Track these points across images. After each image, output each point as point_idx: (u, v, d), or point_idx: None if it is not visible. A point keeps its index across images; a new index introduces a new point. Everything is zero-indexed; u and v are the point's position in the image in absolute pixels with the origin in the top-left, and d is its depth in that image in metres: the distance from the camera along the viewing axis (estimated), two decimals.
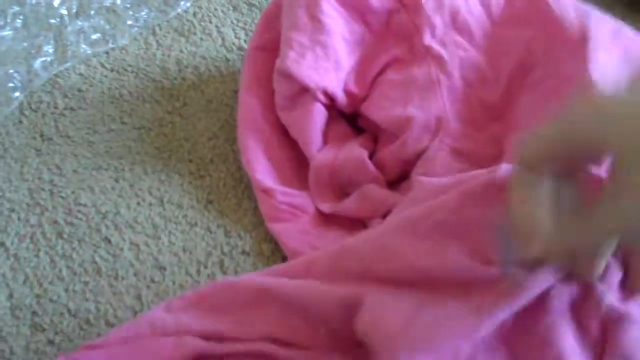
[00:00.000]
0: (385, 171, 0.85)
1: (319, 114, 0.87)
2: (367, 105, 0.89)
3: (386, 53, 0.89)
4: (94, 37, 1.07)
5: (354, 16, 0.89)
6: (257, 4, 1.11)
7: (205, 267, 0.86)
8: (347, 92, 0.88)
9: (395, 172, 0.85)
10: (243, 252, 0.87)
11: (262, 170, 0.89)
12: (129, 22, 1.08)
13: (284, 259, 0.86)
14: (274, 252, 0.87)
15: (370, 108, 0.88)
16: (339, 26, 0.87)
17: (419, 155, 0.82)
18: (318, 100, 0.86)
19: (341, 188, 0.87)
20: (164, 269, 0.86)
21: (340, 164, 0.86)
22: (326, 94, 0.87)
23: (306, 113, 0.87)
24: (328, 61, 0.86)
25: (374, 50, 0.89)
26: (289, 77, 0.86)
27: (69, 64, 1.04)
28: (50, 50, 1.05)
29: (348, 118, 0.93)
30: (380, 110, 0.86)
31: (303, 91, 0.87)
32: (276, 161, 0.90)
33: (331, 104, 0.88)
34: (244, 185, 0.93)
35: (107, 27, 1.08)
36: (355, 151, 0.86)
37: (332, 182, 0.87)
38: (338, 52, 0.87)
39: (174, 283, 0.85)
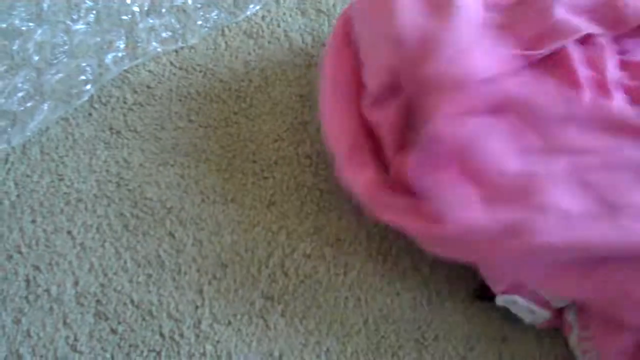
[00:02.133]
0: None
1: None
2: None
3: None
4: (164, 35, 1.10)
5: None
6: (325, 10, 1.14)
7: (267, 266, 0.88)
8: None
9: None
10: (304, 255, 0.89)
11: None
12: (199, 22, 1.11)
13: (346, 264, 0.88)
14: (336, 255, 0.89)
15: None
16: None
17: None
18: None
19: None
20: (226, 266, 0.88)
21: None
22: None
23: None
24: None
25: None
26: None
27: (139, 60, 1.07)
28: (122, 46, 1.08)
29: None
30: None
31: None
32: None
33: None
34: (307, 188, 0.95)
35: (178, 26, 1.11)
36: None
37: None
38: None
39: (235, 281, 0.88)
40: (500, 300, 0.80)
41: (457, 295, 0.86)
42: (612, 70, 0.80)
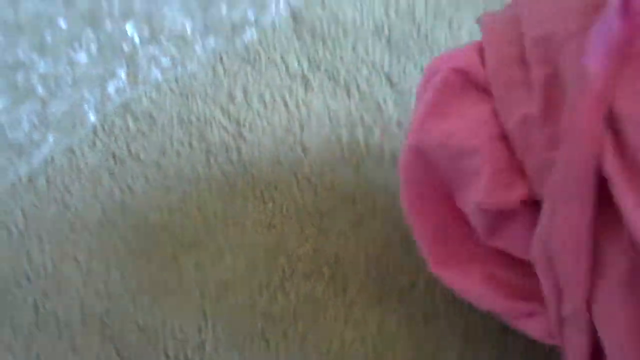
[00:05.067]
0: None
1: None
2: None
3: None
4: (164, 63, 1.15)
5: None
6: (320, 33, 1.18)
7: (267, 288, 0.93)
8: None
9: None
10: (304, 275, 0.94)
11: None
12: (198, 50, 1.17)
13: (344, 284, 0.92)
14: (335, 275, 0.93)
15: None
16: None
17: None
18: None
19: None
20: (228, 288, 0.93)
21: None
22: None
23: None
24: None
25: None
26: None
27: (140, 89, 1.12)
28: (123, 75, 1.14)
29: None
30: None
31: None
32: None
33: None
34: (306, 212, 1.00)
35: (177, 53, 1.16)
36: None
37: None
38: None
39: (237, 302, 0.92)
40: None
41: (454, 312, 0.91)
42: None
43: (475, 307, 0.87)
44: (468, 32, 1.19)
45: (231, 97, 1.11)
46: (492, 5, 1.22)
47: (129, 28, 1.19)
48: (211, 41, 1.18)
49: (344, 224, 0.97)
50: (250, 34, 1.19)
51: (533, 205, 0.65)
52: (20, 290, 0.94)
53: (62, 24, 1.18)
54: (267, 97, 1.11)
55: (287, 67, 1.15)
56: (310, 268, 0.94)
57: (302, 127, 1.07)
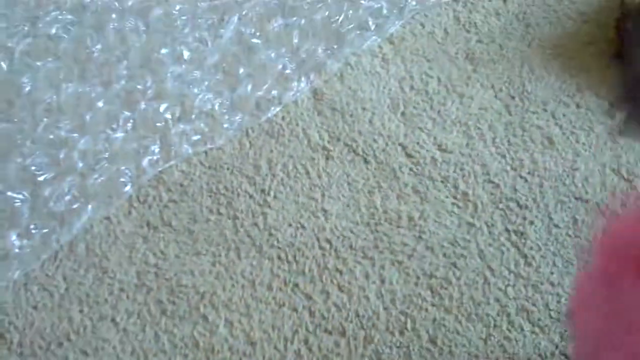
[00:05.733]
0: None
1: None
2: None
3: None
4: (194, 138, 1.25)
5: None
6: (339, 108, 1.28)
7: (292, 343, 0.99)
8: None
9: None
10: (326, 331, 1.00)
11: None
12: (225, 125, 1.26)
13: (365, 337, 0.98)
14: (355, 330, 1.00)
15: None
16: None
17: None
18: None
19: None
20: (255, 344, 0.99)
21: None
22: None
23: None
24: None
25: None
26: None
27: (172, 162, 1.21)
28: (156, 150, 1.23)
29: None
30: None
31: None
32: None
33: None
34: (328, 271, 1.06)
35: (206, 129, 1.26)
36: None
37: None
38: None
39: (264, 358, 0.98)
40: None
41: None
42: None
43: None
44: (477, 105, 1.28)
45: (256, 168, 1.20)
46: (495, 79, 1.31)
47: (163, 107, 1.28)
48: (238, 117, 1.28)
49: (363, 280, 1.04)
50: (274, 110, 1.29)
51: None
52: (62, 349, 1.01)
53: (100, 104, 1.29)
54: (290, 167, 1.20)
55: (308, 140, 1.24)
56: (332, 324, 1.00)
57: (323, 194, 1.15)
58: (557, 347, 0.95)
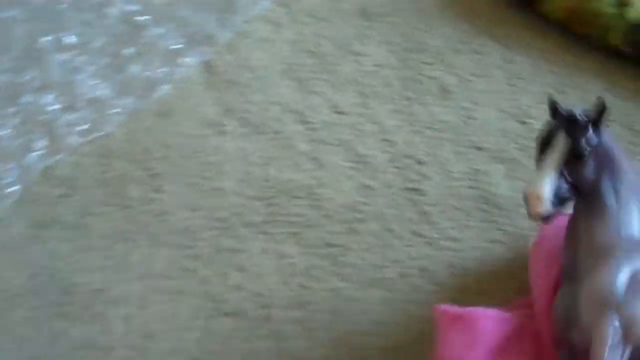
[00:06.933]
0: None
1: None
2: None
3: None
4: (82, 127, 1.20)
5: None
6: (232, 80, 1.24)
7: (191, 330, 0.96)
8: None
9: None
10: (225, 314, 0.97)
11: None
12: (115, 111, 1.21)
13: (265, 316, 0.96)
14: (254, 310, 0.97)
15: None
16: None
17: None
18: None
19: None
20: (153, 336, 0.96)
21: None
22: None
23: None
24: None
25: None
26: None
27: (60, 155, 1.17)
28: (44, 144, 1.18)
29: None
30: None
31: None
32: None
33: None
34: (228, 253, 1.03)
35: (95, 116, 1.21)
36: None
37: None
38: None
39: (163, 349, 0.95)
40: None
41: None
42: None
43: None
44: (373, 62, 1.25)
45: (148, 152, 1.16)
46: (390, 34, 1.28)
47: (48, 99, 1.23)
48: (127, 101, 1.23)
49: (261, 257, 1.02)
50: (163, 89, 1.24)
51: None
52: None
53: None
54: (184, 146, 1.16)
55: (201, 117, 1.20)
56: (233, 306, 0.98)
57: (216, 170, 1.12)
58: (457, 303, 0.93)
